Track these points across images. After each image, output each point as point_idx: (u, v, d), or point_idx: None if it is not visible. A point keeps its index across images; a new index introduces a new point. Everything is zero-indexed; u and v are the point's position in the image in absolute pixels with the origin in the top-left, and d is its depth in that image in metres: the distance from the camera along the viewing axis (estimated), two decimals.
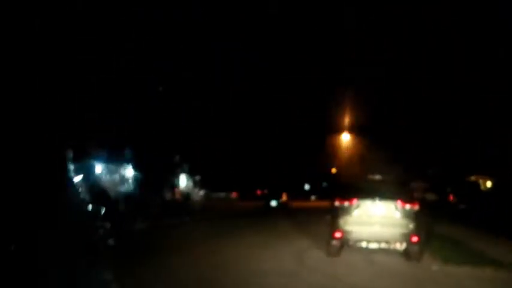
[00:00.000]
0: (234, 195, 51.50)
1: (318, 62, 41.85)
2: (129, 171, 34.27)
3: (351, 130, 38.11)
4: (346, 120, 37.22)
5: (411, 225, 9.72)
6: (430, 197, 31.62)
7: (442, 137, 33.70)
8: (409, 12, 28.36)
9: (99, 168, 27.39)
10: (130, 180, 33.42)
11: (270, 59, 47.52)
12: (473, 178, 37.22)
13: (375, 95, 33.97)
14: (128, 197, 27.20)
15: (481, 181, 36.63)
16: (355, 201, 10.03)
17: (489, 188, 35.01)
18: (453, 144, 33.23)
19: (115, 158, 30.85)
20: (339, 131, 39.29)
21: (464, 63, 27.37)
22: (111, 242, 12.17)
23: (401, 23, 29.47)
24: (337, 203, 10.21)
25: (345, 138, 41.87)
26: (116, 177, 33.63)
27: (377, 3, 32.53)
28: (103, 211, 12.80)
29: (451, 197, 33.92)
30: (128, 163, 33.70)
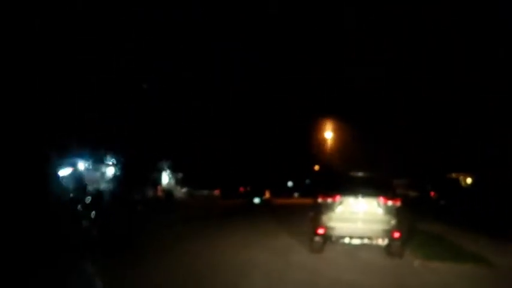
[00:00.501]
0: (216, 192, 51.33)
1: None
2: (110, 169, 33.94)
3: (335, 127, 38.28)
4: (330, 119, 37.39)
5: (393, 222, 9.78)
6: (412, 193, 31.98)
7: (422, 135, 34.06)
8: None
9: (81, 165, 27.07)
10: (111, 178, 33.11)
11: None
12: (453, 175, 37.71)
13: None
14: (112, 194, 26.96)
15: (461, 178, 37.12)
16: (338, 198, 10.06)
17: (469, 185, 35.50)
18: (433, 143, 33.60)
19: (97, 156, 30.58)
20: (322, 128, 39.44)
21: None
22: (94, 232, 12.08)
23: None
24: (320, 200, 10.22)
25: (328, 136, 42.08)
26: (97, 174, 33.29)
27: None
28: (88, 201, 12.68)
29: (432, 194, 34.33)
30: (109, 161, 33.41)
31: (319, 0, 42.10)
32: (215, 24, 39.20)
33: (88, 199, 13.00)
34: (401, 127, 34.34)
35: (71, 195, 12.71)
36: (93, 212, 12.90)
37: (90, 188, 23.19)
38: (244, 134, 55.05)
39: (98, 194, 17.62)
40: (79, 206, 12.53)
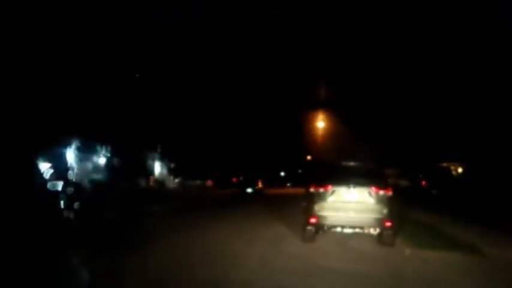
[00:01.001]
0: (209, 183, 51.36)
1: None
2: (102, 160, 33.79)
3: (327, 117, 38.32)
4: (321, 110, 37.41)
5: (385, 211, 9.82)
6: (403, 182, 32.16)
7: (413, 125, 34.20)
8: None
9: (70, 155, 26.93)
10: (103, 168, 32.97)
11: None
12: (444, 164, 37.93)
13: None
14: (100, 184, 26.84)
15: (452, 167, 37.36)
16: (330, 188, 10.08)
17: (460, 174, 35.75)
18: (424, 132, 33.77)
19: (88, 146, 30.45)
20: (315, 118, 39.45)
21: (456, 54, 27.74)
22: (75, 223, 12.04)
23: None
24: (312, 190, 10.23)
25: (320, 126, 42.09)
26: (89, 165, 33.12)
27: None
28: (70, 192, 12.57)
29: (424, 183, 34.54)
30: (101, 151, 33.29)
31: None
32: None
33: (70, 190, 12.88)
34: (394, 117, 34.51)
35: (50, 187, 12.60)
36: (77, 203, 12.81)
37: (80, 178, 23.10)
38: (238, 124, 55.07)
39: (79, 185, 17.51)
40: (61, 197, 12.44)
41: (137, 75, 34.53)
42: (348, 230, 10.21)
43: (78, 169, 26.55)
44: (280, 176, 79.89)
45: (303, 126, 46.01)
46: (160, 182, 43.02)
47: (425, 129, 33.32)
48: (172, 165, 49.41)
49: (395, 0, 31.11)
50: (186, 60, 40.75)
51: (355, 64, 35.06)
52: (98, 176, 30.39)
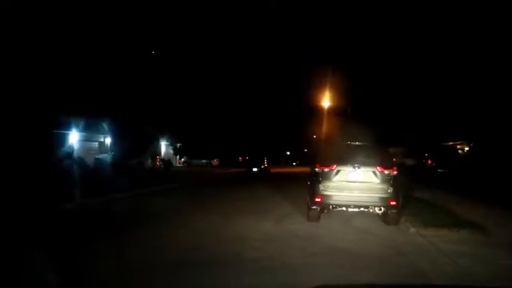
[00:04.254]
0: (215, 162, 51.51)
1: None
2: (107, 140, 33.92)
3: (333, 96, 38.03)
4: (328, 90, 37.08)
5: (390, 190, 9.82)
6: (409, 162, 32.08)
7: (419, 103, 34.05)
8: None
9: (74, 136, 27.09)
10: (108, 149, 33.14)
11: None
12: (450, 143, 37.80)
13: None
14: (103, 163, 27.05)
15: (458, 146, 37.23)
16: (335, 167, 10.07)
17: (466, 153, 35.63)
18: (430, 110, 33.62)
19: (93, 127, 30.63)
20: (321, 98, 39.15)
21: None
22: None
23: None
24: (317, 169, 10.23)
25: (326, 105, 41.81)
26: (94, 145, 33.25)
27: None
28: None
29: (429, 162, 34.48)
30: (106, 132, 33.44)
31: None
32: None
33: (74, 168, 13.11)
34: (400, 97, 34.34)
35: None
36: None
37: (84, 157, 23.25)
38: (244, 103, 54.95)
39: (82, 163, 17.81)
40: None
41: (153, 52, 34.59)
42: (353, 209, 10.25)
43: (81, 149, 26.75)
44: (286, 155, 79.99)
45: (309, 106, 45.81)
46: (166, 162, 43.21)
47: (432, 108, 33.15)
48: (178, 145, 49.55)
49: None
50: (192, 44, 40.83)
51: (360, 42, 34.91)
52: (102, 155, 30.56)
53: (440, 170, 31.45)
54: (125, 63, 30.36)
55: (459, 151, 36.58)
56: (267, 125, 62.48)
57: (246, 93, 54.75)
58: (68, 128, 27.09)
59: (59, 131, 25.09)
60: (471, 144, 34.66)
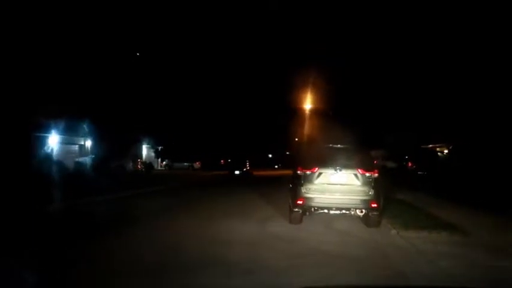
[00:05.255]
0: (197, 164, 51.29)
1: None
2: (87, 142, 33.49)
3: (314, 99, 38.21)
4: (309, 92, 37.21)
5: (371, 192, 9.90)
6: (390, 164, 32.37)
7: (399, 105, 34.44)
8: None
9: (53, 139, 26.63)
10: (88, 151, 32.73)
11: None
12: (430, 146, 38.26)
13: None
14: (83, 166, 26.69)
15: (438, 149, 37.70)
16: (316, 170, 10.11)
17: (446, 155, 36.10)
18: (410, 113, 34.03)
19: (73, 130, 30.20)
20: (302, 100, 39.29)
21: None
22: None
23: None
24: (299, 172, 10.25)
25: (308, 107, 41.99)
26: (74, 148, 32.81)
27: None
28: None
29: (410, 164, 34.83)
30: (86, 135, 33.02)
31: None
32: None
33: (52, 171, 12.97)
34: (381, 99, 34.69)
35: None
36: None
37: (63, 160, 22.89)
38: (226, 106, 54.81)
39: (61, 166, 17.61)
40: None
41: (137, 54, 34.39)
42: (334, 212, 10.30)
43: (61, 152, 26.34)
44: (269, 158, 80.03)
45: (291, 109, 45.96)
46: (147, 165, 42.89)
47: (413, 111, 33.54)
48: (159, 148, 49.23)
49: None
50: (175, 45, 40.65)
51: (342, 47, 35.18)
52: (82, 158, 30.16)
53: (421, 173, 31.80)
54: (106, 64, 30.03)
55: (438, 154, 37.04)
56: (249, 128, 62.42)
57: (228, 96, 54.63)
58: (47, 130, 26.63)
59: (37, 134, 24.65)
60: (450, 147, 35.13)
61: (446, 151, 36.51)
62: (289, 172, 13.51)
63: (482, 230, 9.76)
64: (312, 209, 10.35)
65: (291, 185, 10.97)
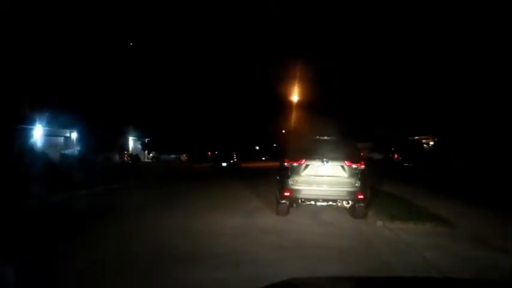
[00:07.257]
0: (184, 157, 51.16)
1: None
2: (73, 134, 33.15)
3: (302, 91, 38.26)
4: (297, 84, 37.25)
5: (357, 184, 9.95)
6: (376, 156, 32.63)
7: (386, 98, 34.65)
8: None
9: (38, 131, 26.27)
10: (74, 144, 32.41)
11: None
12: (416, 138, 38.61)
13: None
14: (69, 158, 26.43)
15: (424, 140, 38.06)
16: (303, 162, 10.13)
17: (431, 147, 36.46)
18: (396, 105, 34.27)
19: (59, 122, 29.85)
20: (290, 93, 39.33)
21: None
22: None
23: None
24: (286, 164, 10.26)
25: (295, 100, 42.06)
26: (60, 140, 32.46)
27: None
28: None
29: (396, 156, 35.15)
30: (72, 126, 32.69)
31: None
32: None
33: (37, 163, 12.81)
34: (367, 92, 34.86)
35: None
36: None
37: (49, 153, 22.62)
38: (214, 99, 54.71)
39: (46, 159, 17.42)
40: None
41: (131, 44, 34.11)
42: (321, 203, 10.33)
43: (46, 144, 26.00)
44: (256, 150, 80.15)
45: (279, 100, 46.01)
46: (134, 157, 42.61)
47: (399, 103, 33.77)
48: (146, 140, 48.96)
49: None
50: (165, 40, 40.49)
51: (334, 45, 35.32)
52: (68, 151, 29.85)
53: (406, 164, 32.11)
54: (93, 55, 29.70)
55: (424, 145, 37.38)
56: (236, 120, 62.41)
57: (215, 88, 54.49)
58: (32, 122, 26.27)
59: (21, 126, 24.31)
60: (435, 139, 35.47)
61: (432, 143, 36.87)
62: (276, 164, 13.53)
63: (466, 220, 9.88)
64: (299, 201, 10.37)
65: (278, 177, 10.98)
